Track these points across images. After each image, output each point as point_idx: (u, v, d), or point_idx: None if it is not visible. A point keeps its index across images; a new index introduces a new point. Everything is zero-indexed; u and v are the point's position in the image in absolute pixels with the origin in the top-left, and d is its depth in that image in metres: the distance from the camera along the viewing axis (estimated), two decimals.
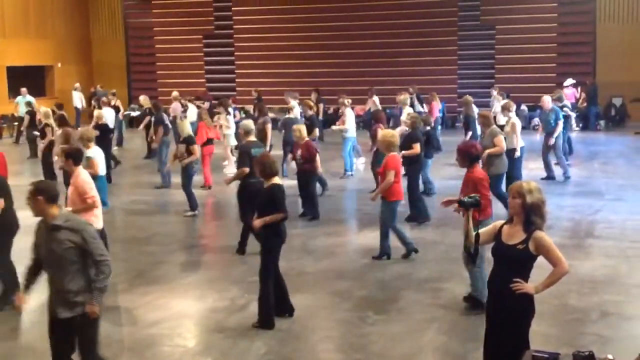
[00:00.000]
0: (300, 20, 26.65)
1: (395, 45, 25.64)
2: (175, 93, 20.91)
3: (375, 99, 19.51)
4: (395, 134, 9.81)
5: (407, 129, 12.20)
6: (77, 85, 26.06)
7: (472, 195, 5.17)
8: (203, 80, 27.95)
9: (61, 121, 13.44)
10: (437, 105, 19.45)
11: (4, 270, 7.70)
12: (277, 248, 7.10)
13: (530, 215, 4.73)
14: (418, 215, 11.15)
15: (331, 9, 26.31)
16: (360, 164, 16.42)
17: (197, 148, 12.28)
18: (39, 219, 5.08)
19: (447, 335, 6.79)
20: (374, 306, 7.57)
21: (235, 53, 27.92)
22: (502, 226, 4.90)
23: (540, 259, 4.78)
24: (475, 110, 15.82)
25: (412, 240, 9.44)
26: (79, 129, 14.34)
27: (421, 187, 12.17)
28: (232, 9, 27.71)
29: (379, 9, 25.93)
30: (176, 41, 28.23)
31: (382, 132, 10.24)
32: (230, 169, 15.26)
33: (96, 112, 16.37)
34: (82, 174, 7.68)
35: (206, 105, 21.55)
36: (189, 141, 12.08)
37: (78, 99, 25.74)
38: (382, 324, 7.08)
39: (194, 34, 28.11)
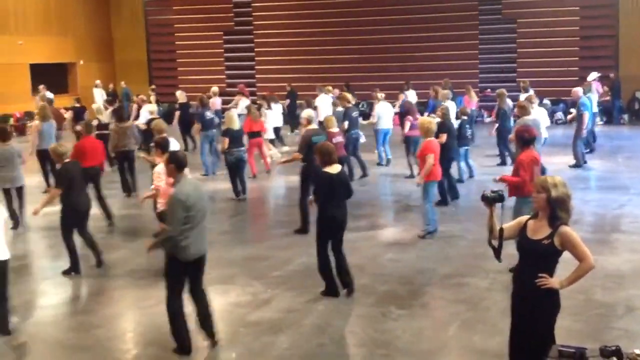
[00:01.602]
0: (319, 15, 26.64)
1: (415, 39, 25.54)
2: (214, 88, 21.17)
3: (411, 92, 20.34)
4: (433, 121, 10.65)
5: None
6: (98, 82, 26.28)
7: (496, 190, 5.14)
8: (223, 76, 28.04)
9: (118, 116, 13.99)
10: (472, 99, 19.52)
11: (69, 248, 8.77)
12: (325, 231, 7.57)
13: (556, 209, 4.70)
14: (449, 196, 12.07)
15: (351, 4, 26.27)
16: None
17: (226, 140, 12.82)
18: None
19: (470, 331, 6.76)
20: (396, 301, 7.56)
21: (255, 49, 27.98)
22: (527, 221, 4.87)
23: (566, 254, 4.75)
24: (510, 103, 15.84)
25: (435, 224, 9.95)
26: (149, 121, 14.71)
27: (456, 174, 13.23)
28: (252, 4, 27.77)
29: (398, 4, 25.82)
30: (196, 37, 28.36)
31: (421, 119, 11.02)
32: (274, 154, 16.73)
33: (149, 107, 17.19)
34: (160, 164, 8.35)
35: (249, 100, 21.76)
36: (225, 134, 12.81)
37: (99, 96, 25.94)
38: (405, 320, 7.07)
39: (214, 30, 28.21)
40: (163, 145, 8.54)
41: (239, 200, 12.99)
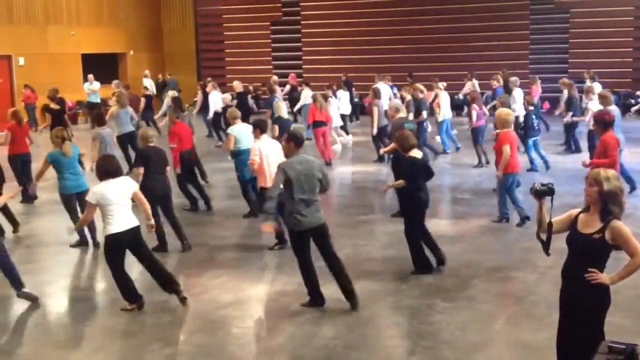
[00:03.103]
0: (368, 5, 26.50)
1: (465, 29, 25.21)
2: (274, 77, 21.37)
3: (475, 82, 20.50)
4: (510, 112, 10.61)
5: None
6: (147, 72, 26.65)
7: (545, 183, 5.05)
8: (270, 66, 28.15)
9: (175, 104, 14.50)
10: (537, 89, 19.40)
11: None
12: (413, 211, 8.11)
13: (608, 203, 4.60)
14: None
15: None
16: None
17: (276, 128, 13.03)
18: None
19: (517, 325, 6.69)
20: (442, 294, 7.51)
21: (303, 39, 28.00)
22: (578, 214, 4.78)
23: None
24: (576, 93, 15.80)
25: (508, 212, 10.10)
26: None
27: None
28: None
29: None
30: (244, 28, 28.51)
31: (499, 110, 10.94)
32: (337, 147, 17.51)
33: (224, 96, 17.88)
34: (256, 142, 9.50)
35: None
36: (275, 122, 13.06)
37: (149, 86, 26.31)
38: (451, 312, 7.02)
39: (261, 20, 28.31)
40: (261, 126, 9.58)
41: None
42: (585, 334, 4.63)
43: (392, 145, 10.70)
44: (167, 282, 7.30)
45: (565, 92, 16.20)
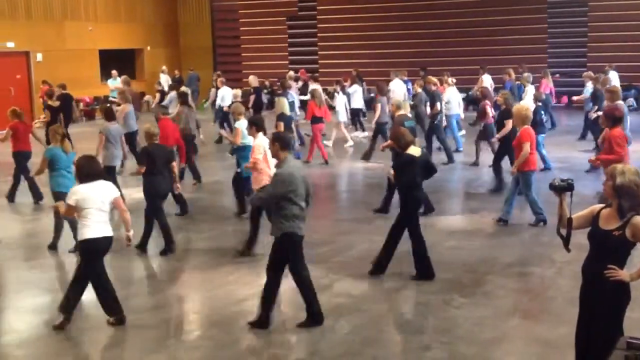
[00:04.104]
0: (384, 0, 26.39)
1: (483, 23, 25.06)
2: (291, 73, 21.36)
3: (486, 77, 20.10)
4: (529, 108, 10.44)
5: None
6: (164, 68, 26.74)
7: (565, 178, 5.00)
8: (286, 62, 28.14)
9: (182, 100, 14.13)
10: (548, 83, 19.24)
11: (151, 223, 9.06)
12: (412, 212, 7.83)
13: (620, 198, 4.54)
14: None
15: None
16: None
17: (280, 125, 12.88)
18: None
19: (534, 321, 6.64)
20: (459, 289, 7.47)
21: (319, 34, 27.96)
22: (600, 210, 4.72)
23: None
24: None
25: (542, 211, 9.66)
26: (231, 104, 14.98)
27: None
28: None
29: None
30: (260, 23, 28.52)
31: (517, 106, 10.75)
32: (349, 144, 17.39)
33: (234, 92, 17.49)
34: (256, 139, 8.84)
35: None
36: (280, 118, 12.90)
37: (165, 82, 26.41)
38: (467, 308, 6.98)
39: (277, 15, 28.31)
40: (257, 124, 8.88)
41: None
42: (604, 330, 4.58)
43: (390, 142, 10.60)
44: (111, 301, 6.77)
45: (590, 85, 16.07)
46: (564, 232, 4.88)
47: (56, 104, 15.74)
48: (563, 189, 4.85)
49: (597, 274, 4.59)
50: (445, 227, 10.07)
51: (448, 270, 8.10)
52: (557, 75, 23.48)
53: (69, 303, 6.66)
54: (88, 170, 6.67)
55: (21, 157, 12.12)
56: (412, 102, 15.13)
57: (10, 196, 12.20)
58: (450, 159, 14.57)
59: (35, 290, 7.78)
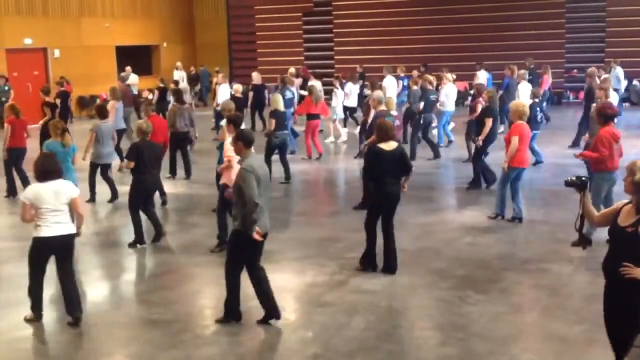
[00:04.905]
0: None
1: (499, 18, 24.89)
2: (292, 70, 21.26)
3: (482, 73, 19.83)
4: (526, 104, 10.33)
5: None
6: (179, 64, 26.80)
7: (579, 175, 4.98)
8: (302, 57, 28.12)
9: (177, 97, 14.06)
10: (549, 79, 19.08)
11: (135, 223, 9.12)
12: (376, 207, 7.89)
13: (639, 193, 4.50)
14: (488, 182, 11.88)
15: None
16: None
17: (272, 121, 12.85)
18: None
19: (550, 318, 6.60)
20: (474, 286, 7.45)
21: (334, 30, 27.92)
22: (622, 206, 4.69)
23: None
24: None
25: (504, 208, 9.77)
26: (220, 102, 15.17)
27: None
28: None
29: None
30: (276, 19, 28.51)
31: (515, 102, 10.70)
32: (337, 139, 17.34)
33: (235, 87, 17.77)
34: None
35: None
36: (272, 115, 12.89)
37: (179, 78, 26.47)
38: (483, 304, 6.95)
39: (293, 11, 28.28)
40: (235, 121, 8.49)
41: (280, 184, 12.72)
42: (623, 327, 4.55)
43: (373, 137, 10.45)
44: (75, 303, 6.70)
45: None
46: (584, 229, 4.88)
47: (51, 101, 15.62)
48: (573, 185, 4.94)
49: (614, 270, 4.55)
50: (458, 223, 10.02)
51: (463, 266, 8.08)
52: (575, 70, 23.28)
53: (33, 299, 6.71)
54: (42, 169, 6.54)
55: (15, 153, 12.05)
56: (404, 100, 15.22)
57: (11, 191, 12.20)
58: (437, 155, 14.80)
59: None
